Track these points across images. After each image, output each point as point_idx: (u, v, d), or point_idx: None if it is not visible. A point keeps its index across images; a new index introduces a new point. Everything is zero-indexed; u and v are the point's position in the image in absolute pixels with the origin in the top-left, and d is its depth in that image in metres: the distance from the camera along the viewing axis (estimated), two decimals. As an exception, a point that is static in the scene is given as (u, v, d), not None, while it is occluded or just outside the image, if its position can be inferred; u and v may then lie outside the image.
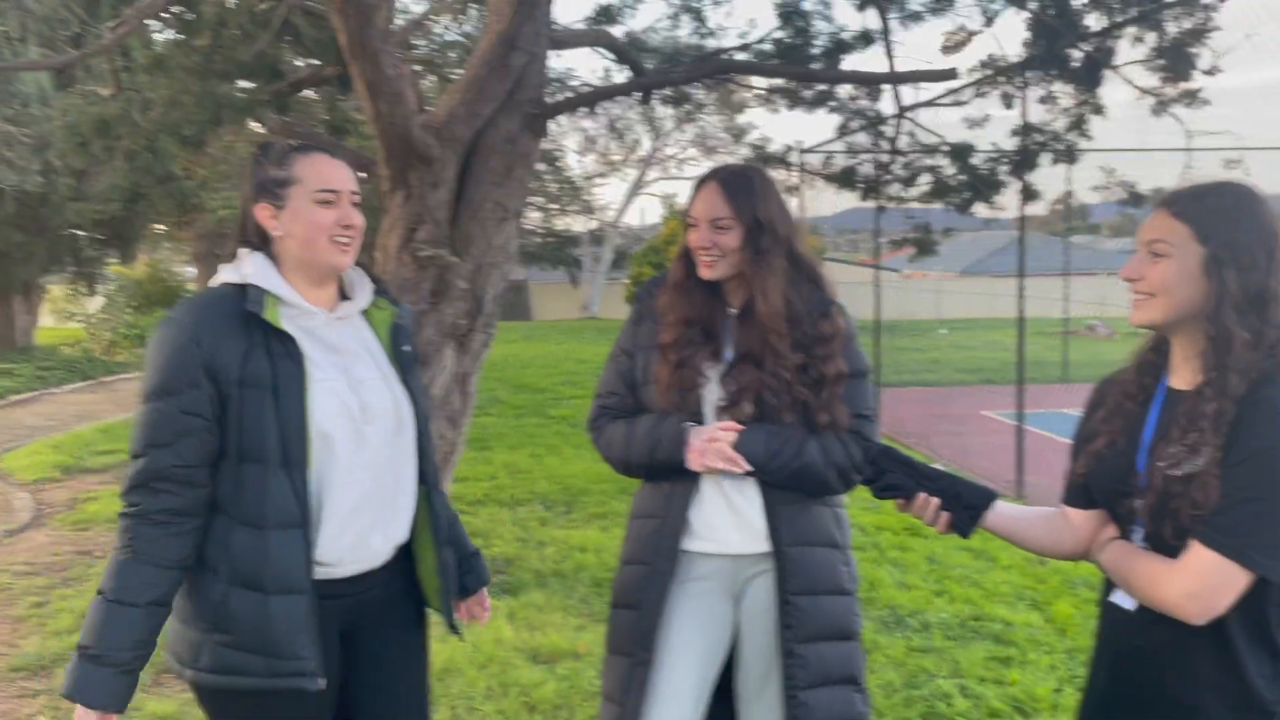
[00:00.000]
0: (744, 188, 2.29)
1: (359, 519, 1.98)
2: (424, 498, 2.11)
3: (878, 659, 4.22)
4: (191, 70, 6.28)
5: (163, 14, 6.40)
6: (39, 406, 12.97)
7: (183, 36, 6.51)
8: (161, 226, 20.44)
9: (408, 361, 2.11)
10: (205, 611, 1.91)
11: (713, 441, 2.19)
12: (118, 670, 1.84)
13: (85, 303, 20.64)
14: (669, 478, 2.30)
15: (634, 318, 2.44)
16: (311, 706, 1.97)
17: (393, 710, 2.16)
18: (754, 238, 2.25)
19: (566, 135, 36.49)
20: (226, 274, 1.97)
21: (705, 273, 2.29)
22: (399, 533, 2.08)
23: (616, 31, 6.76)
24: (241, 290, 1.91)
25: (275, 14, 5.96)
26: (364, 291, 2.10)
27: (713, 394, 2.28)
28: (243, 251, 2.00)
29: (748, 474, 2.20)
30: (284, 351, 1.90)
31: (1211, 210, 1.63)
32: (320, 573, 1.95)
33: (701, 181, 2.35)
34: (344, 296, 2.09)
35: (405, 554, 2.13)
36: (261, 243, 2.00)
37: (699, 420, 2.28)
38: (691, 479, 2.27)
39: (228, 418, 1.87)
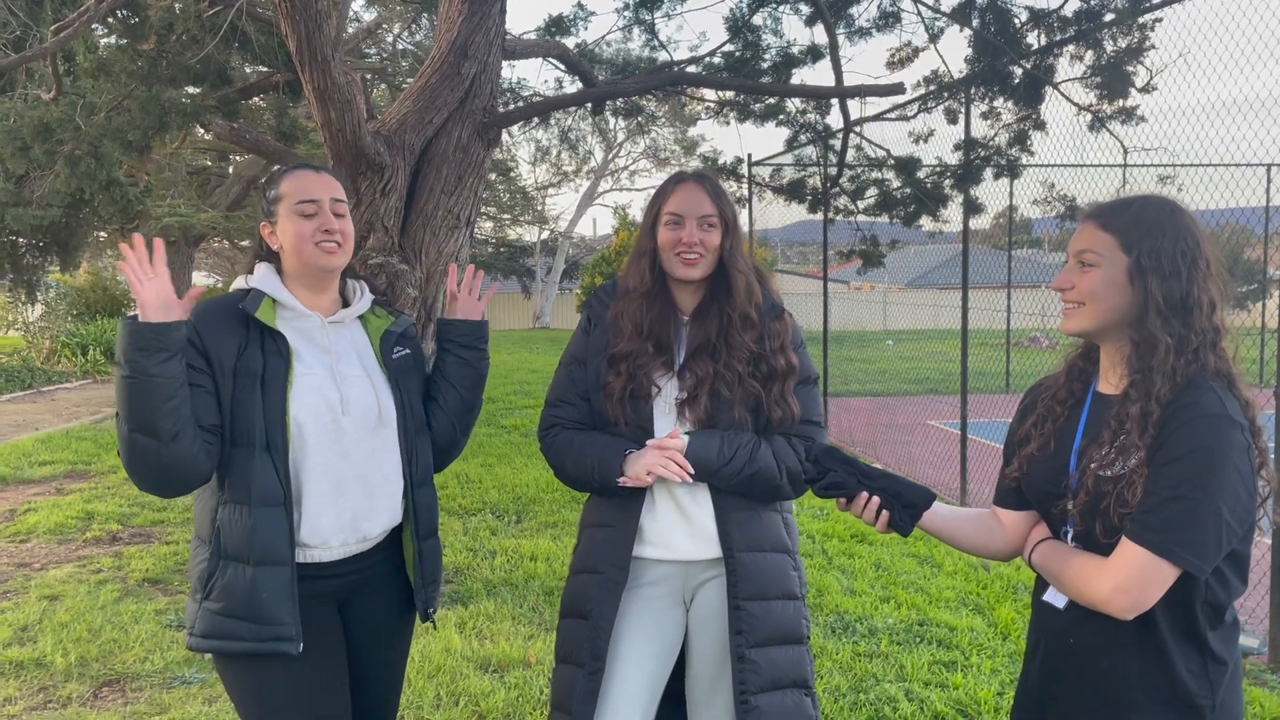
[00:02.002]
0: (719, 189, 2.36)
1: (340, 502, 2.16)
2: (408, 494, 2.29)
3: (825, 664, 4.27)
4: (136, 75, 6.21)
5: (108, 18, 6.31)
6: (-26, 417, 12.64)
7: (127, 41, 6.42)
8: (104, 233, 20.05)
9: (400, 367, 2.32)
10: (200, 582, 2.12)
11: (662, 450, 2.21)
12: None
13: (24, 311, 20.16)
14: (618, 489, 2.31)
15: (584, 325, 2.45)
16: (300, 673, 2.14)
17: (373, 677, 2.36)
18: (729, 236, 2.32)
19: (519, 145, 36.48)
20: (238, 282, 2.23)
21: (690, 271, 2.29)
22: (387, 519, 2.26)
23: (569, 43, 6.80)
24: (247, 294, 2.16)
25: (223, 19, 5.91)
26: (362, 300, 2.32)
27: (663, 404, 2.30)
28: (259, 264, 2.24)
29: (699, 479, 2.22)
30: (275, 348, 2.13)
31: (1136, 221, 1.71)
32: (310, 555, 2.15)
33: (677, 180, 2.36)
34: (346, 305, 2.32)
35: (395, 542, 2.33)
36: (271, 258, 2.25)
37: (648, 431, 2.29)
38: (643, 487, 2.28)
39: (222, 404, 2.08)
